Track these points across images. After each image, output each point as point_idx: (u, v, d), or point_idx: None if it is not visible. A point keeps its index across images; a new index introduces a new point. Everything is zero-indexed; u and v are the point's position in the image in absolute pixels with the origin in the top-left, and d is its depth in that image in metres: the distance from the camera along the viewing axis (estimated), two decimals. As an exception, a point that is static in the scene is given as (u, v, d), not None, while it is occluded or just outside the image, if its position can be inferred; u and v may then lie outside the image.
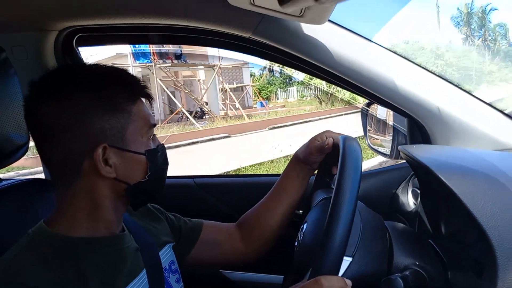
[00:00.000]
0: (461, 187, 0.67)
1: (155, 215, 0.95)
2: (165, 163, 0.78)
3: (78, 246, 0.67)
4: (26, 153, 0.92)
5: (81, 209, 0.69)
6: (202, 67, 17.15)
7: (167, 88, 15.88)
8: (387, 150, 1.30)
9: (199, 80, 18.09)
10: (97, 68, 0.73)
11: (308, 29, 0.96)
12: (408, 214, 1.08)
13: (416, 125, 1.07)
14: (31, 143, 0.86)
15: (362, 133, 1.42)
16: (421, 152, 0.82)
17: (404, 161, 1.22)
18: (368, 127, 1.40)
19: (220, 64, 16.54)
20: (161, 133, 13.03)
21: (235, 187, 1.34)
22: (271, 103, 22.91)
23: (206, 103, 17.39)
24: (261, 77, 25.39)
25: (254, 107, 20.65)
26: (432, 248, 0.79)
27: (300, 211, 1.19)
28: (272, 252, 1.04)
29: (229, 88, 17.91)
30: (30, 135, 0.73)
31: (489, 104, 1.02)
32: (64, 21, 1.08)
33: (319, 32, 0.96)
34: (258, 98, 21.82)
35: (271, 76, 25.58)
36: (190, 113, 16.21)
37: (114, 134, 0.68)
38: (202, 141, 11.69)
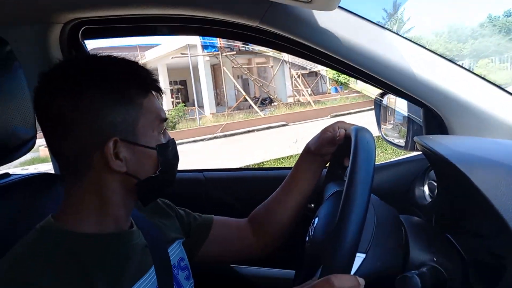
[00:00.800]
0: (482, 178, 0.63)
1: (164, 211, 0.93)
2: (176, 158, 0.77)
3: (86, 242, 0.66)
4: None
5: (90, 204, 0.68)
6: (271, 53, 16.41)
7: (241, 76, 15.68)
8: (401, 142, 1.25)
9: (271, 67, 17.68)
10: (109, 61, 0.72)
11: (317, 16, 0.92)
12: (424, 207, 1.04)
13: (432, 115, 1.03)
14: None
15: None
16: (438, 143, 0.79)
17: (419, 153, 1.18)
18: (382, 118, 1.36)
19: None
20: (227, 120, 13.27)
21: (245, 181, 1.32)
22: (348, 89, 20.15)
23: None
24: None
25: (329, 93, 19.68)
26: (451, 243, 0.75)
27: (312, 205, 1.16)
28: (283, 246, 1.02)
29: (302, 74, 17.46)
30: (38, 128, 0.72)
31: (509, 92, 0.97)
32: (69, 13, 1.07)
33: (328, 19, 0.93)
34: (335, 83, 20.24)
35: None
36: (257, 100, 16.17)
37: (125, 128, 0.67)
38: (258, 130, 11.69)
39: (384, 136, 1.37)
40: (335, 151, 0.95)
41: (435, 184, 1.00)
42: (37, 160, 10.58)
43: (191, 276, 0.89)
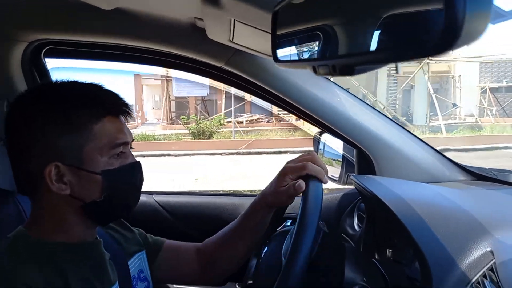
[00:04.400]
0: (405, 214, 0.79)
1: (126, 225, 0.96)
2: (128, 183, 0.77)
3: (56, 249, 0.71)
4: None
5: (50, 219, 0.74)
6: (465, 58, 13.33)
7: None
8: (335, 176, 1.42)
9: (453, 77, 14.47)
10: (65, 87, 0.76)
11: (276, 65, 1.06)
12: (353, 236, 1.20)
13: (363, 156, 1.21)
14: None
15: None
16: (371, 182, 0.95)
17: (351, 187, 1.36)
18: (320, 154, 1.52)
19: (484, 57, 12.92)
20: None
21: (196, 205, 1.38)
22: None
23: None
24: None
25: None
26: (376, 267, 0.90)
27: None
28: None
29: (490, 88, 14.29)
30: None
31: (425, 143, 1.19)
32: (36, 33, 1.08)
33: (286, 69, 1.07)
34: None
35: None
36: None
37: (70, 153, 0.70)
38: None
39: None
40: None
41: (364, 215, 1.17)
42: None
43: (150, 287, 0.92)
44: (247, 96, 15.23)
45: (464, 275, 0.69)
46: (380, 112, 1.17)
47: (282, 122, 14.76)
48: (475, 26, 0.26)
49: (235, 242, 0.98)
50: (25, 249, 0.69)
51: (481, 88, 14.28)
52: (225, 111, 15.15)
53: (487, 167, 1.26)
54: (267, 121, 15.10)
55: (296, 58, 0.46)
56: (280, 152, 10.60)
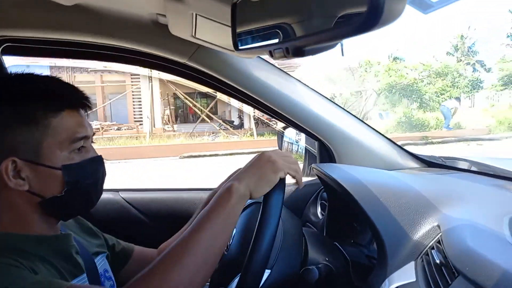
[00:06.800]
0: (363, 198, 0.84)
1: (92, 230, 0.95)
2: (90, 177, 0.75)
3: (25, 240, 0.70)
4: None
5: (9, 215, 0.71)
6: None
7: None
8: (299, 169, 1.47)
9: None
10: (22, 80, 0.73)
11: (239, 60, 1.10)
12: (317, 223, 1.26)
13: (324, 147, 1.27)
14: None
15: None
16: (331, 169, 1.00)
17: (313, 178, 1.42)
18: (284, 148, 1.58)
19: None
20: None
21: (162, 201, 1.38)
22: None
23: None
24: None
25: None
26: (337, 249, 0.96)
27: None
28: None
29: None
30: None
31: (380, 133, 1.26)
32: (-7, 30, 1.06)
33: (249, 64, 1.11)
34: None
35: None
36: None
37: (26, 148, 0.68)
38: None
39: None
40: None
41: (326, 203, 1.23)
42: None
43: (115, 287, 0.93)
44: (99, 103, 14.60)
45: (415, 248, 0.76)
46: (338, 105, 1.23)
47: (133, 130, 14.24)
48: (394, 6, 0.30)
49: None
50: None
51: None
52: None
53: (437, 155, 1.36)
54: (116, 129, 14.43)
55: (254, 45, 0.50)
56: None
